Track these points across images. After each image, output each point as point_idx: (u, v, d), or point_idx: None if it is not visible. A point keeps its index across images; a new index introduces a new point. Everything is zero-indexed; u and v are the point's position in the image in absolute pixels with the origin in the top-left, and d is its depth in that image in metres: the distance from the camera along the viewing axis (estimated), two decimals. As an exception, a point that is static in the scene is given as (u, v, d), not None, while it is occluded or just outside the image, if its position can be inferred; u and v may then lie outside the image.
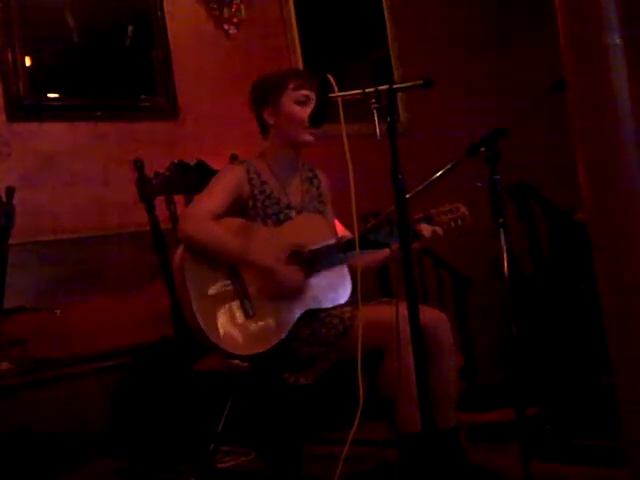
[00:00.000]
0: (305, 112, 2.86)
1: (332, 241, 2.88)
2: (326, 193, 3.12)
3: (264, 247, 2.82)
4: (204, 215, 2.77)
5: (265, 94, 2.94)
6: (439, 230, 2.89)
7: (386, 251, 2.91)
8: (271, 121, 2.94)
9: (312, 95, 2.90)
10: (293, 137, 2.95)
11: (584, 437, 3.41)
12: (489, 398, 4.14)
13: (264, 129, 3.00)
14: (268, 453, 3.05)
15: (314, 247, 2.86)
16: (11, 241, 3.14)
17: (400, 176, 2.23)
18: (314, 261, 2.85)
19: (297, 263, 2.85)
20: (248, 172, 2.92)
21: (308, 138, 2.94)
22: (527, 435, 2.49)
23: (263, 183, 2.93)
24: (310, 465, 3.10)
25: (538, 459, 2.68)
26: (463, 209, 2.93)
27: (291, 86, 2.92)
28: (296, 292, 2.80)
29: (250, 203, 2.90)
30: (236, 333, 2.73)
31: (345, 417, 2.56)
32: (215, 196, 2.84)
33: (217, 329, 2.71)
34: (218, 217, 2.80)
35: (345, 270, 2.92)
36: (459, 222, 2.92)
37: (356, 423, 2.49)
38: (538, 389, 3.83)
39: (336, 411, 3.02)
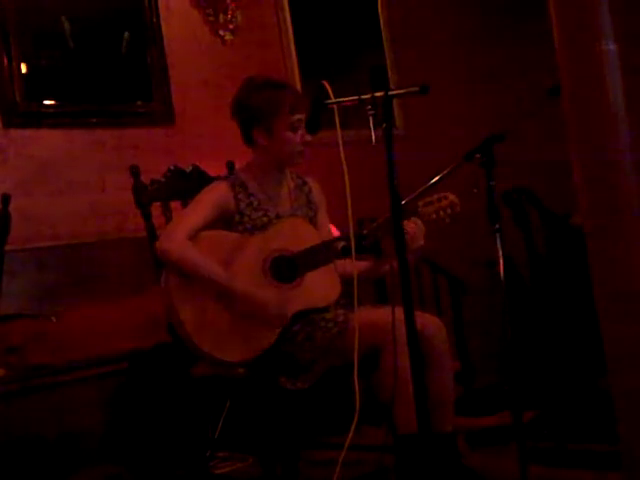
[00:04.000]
0: (298, 136, 2.87)
1: (317, 242, 2.88)
2: (318, 200, 3.11)
3: (250, 258, 2.81)
4: (181, 234, 2.76)
5: (256, 114, 2.88)
6: (418, 221, 2.84)
7: (386, 266, 2.91)
8: (262, 142, 2.90)
9: (303, 117, 2.86)
10: (284, 160, 2.94)
11: (581, 441, 3.41)
12: (486, 402, 4.15)
13: (248, 139, 2.96)
14: (265, 458, 3.05)
15: (300, 249, 2.86)
16: (7, 248, 3.15)
17: (396, 182, 2.23)
18: (301, 263, 2.85)
19: (283, 267, 2.85)
20: (233, 187, 2.91)
21: (298, 161, 2.94)
22: (524, 439, 2.49)
23: (250, 195, 2.92)
24: (307, 470, 3.10)
25: (535, 463, 2.67)
26: (452, 197, 2.88)
27: (286, 110, 2.86)
28: (279, 317, 2.78)
29: (236, 218, 2.89)
30: (227, 340, 2.73)
31: (342, 422, 2.56)
32: (195, 215, 2.84)
33: (207, 338, 2.71)
34: (196, 234, 2.79)
35: (332, 269, 2.91)
36: (448, 210, 2.88)
37: (353, 427, 2.49)
38: (535, 393, 3.84)
39: (333, 416, 3.02)
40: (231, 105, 2.97)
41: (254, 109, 2.88)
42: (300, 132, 2.87)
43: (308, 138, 2.88)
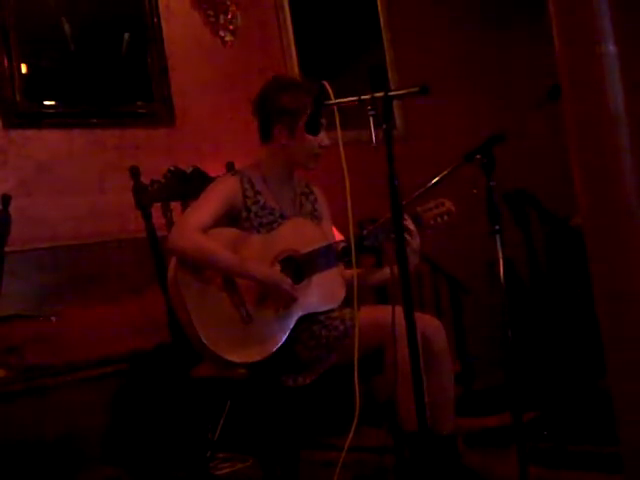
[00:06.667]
0: (318, 139, 2.87)
1: (323, 244, 2.89)
2: (323, 209, 3.12)
3: (257, 256, 2.82)
4: (193, 228, 2.76)
5: (282, 111, 2.90)
6: (411, 224, 2.89)
7: (387, 274, 2.92)
8: (282, 140, 2.91)
9: (325, 122, 2.84)
10: (300, 161, 2.96)
11: (581, 442, 3.41)
12: (486, 403, 4.14)
13: (267, 136, 2.97)
14: (265, 459, 3.05)
15: (307, 251, 2.87)
16: (7, 249, 3.15)
17: (396, 183, 2.23)
18: (308, 265, 2.85)
19: (290, 268, 2.86)
20: (242, 183, 2.91)
21: (313, 165, 2.96)
22: (524, 440, 2.49)
23: (257, 193, 2.93)
24: (307, 471, 3.09)
25: (535, 464, 2.67)
26: (448, 204, 2.97)
27: None
28: (293, 297, 2.80)
29: (243, 214, 2.89)
30: (235, 342, 2.73)
31: (342, 423, 2.56)
32: (206, 208, 2.84)
33: (216, 339, 2.71)
34: (208, 229, 2.79)
35: (337, 272, 2.93)
36: (445, 217, 2.95)
37: (353, 428, 2.49)
38: (535, 394, 3.83)
39: (333, 417, 3.02)
40: (254, 101, 2.98)
41: (281, 106, 2.90)
42: (320, 135, 2.86)
43: (326, 142, 2.90)
